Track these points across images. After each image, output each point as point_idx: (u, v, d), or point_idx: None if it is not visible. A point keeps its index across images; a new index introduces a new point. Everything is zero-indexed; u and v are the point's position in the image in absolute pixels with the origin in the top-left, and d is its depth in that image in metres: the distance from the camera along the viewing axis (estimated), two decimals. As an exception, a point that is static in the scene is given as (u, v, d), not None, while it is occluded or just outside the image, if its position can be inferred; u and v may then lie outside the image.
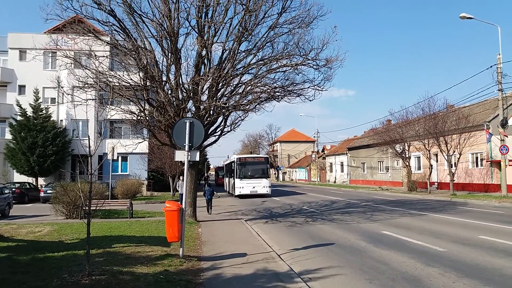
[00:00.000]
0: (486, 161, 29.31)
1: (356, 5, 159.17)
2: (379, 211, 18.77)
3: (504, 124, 23.19)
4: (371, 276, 7.36)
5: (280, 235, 12.47)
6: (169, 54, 13.71)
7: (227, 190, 38.48)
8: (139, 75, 13.74)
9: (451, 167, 27.85)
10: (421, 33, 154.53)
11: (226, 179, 40.44)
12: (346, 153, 55.41)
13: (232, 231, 12.88)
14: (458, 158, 28.58)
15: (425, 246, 10.06)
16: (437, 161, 33.33)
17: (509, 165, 24.36)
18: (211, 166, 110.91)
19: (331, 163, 63.18)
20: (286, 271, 7.51)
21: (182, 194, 18.66)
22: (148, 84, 13.82)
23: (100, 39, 14.04)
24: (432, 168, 31.81)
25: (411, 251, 9.55)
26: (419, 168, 37.18)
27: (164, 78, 13.98)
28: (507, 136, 23.33)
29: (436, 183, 33.64)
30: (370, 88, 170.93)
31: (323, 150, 68.25)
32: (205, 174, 38.78)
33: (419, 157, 35.94)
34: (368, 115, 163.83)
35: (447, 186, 29.22)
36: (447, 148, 27.62)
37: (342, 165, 58.52)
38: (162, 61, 14.36)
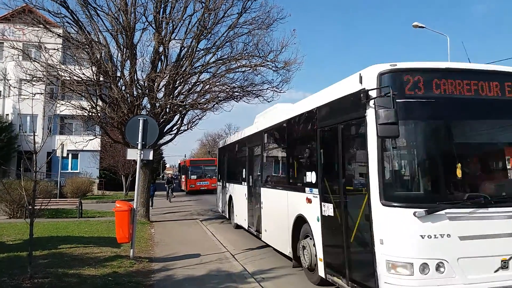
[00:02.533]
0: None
1: (316, 11, 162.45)
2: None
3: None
4: (322, 275, 7.47)
5: (235, 235, 12.41)
6: (125, 49, 13.30)
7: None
8: (91, 69, 13.24)
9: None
10: (376, 39, 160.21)
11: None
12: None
13: (186, 231, 12.68)
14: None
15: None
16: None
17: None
18: (167, 165, 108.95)
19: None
20: (240, 271, 7.48)
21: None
22: (101, 79, 13.35)
23: (51, 31, 13.39)
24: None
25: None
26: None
27: (119, 74, 13.55)
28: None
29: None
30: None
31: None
32: (171, 176, 40.72)
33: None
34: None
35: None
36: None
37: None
38: (117, 56, 13.96)
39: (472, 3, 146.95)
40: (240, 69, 14.86)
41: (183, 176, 40.02)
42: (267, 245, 10.36)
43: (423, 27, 24.56)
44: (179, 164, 51.61)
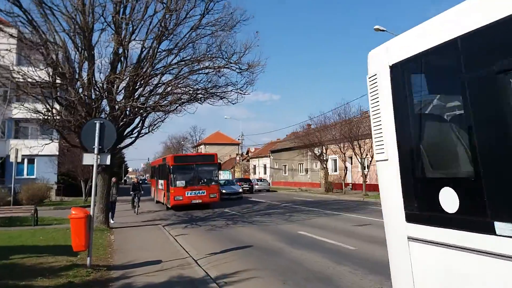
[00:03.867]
0: (394, 164, 31.47)
1: (279, 14, 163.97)
2: (298, 212, 19.34)
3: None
4: (285, 277, 7.46)
5: (199, 240, 12.24)
6: (82, 50, 12.83)
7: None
8: (46, 71, 12.67)
9: (364, 169, 29.72)
10: (339, 44, 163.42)
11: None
12: (269, 156, 56.57)
13: (147, 237, 12.36)
14: (370, 161, 30.53)
15: (338, 245, 10.51)
16: (351, 164, 35.32)
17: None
18: (130, 169, 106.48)
19: (254, 166, 64.06)
20: (202, 277, 7.33)
21: (112, 202, 16.38)
22: (57, 81, 12.81)
23: (3, 31, 12.72)
24: (347, 170, 33.78)
25: (325, 250, 9.91)
26: (335, 170, 39.13)
27: (76, 76, 13.05)
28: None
29: (350, 184, 35.63)
30: (294, 93, 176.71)
31: (247, 153, 69.01)
32: (137, 181, 24.59)
33: (336, 159, 37.81)
34: (291, 119, 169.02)
35: (361, 187, 31.09)
36: (360, 152, 29.47)
37: (265, 167, 59.62)
38: (74, 57, 13.45)
39: (427, 6, 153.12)
40: (203, 70, 14.73)
41: (160, 183, 25.69)
42: (232, 249, 10.31)
43: (384, 30, 25.30)
44: (151, 165, 37.82)
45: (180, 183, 21.18)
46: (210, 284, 6.84)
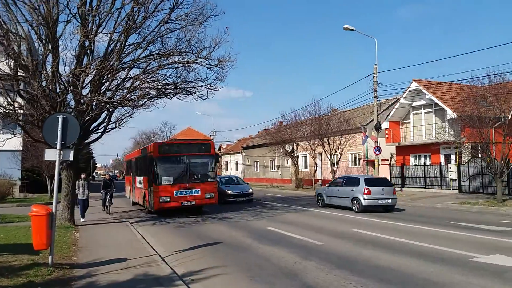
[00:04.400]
0: (363, 161, 32.41)
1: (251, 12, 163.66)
2: (268, 208, 19.46)
3: (378, 127, 25.75)
4: (253, 273, 7.49)
5: (167, 237, 12.11)
6: (46, 42, 12.38)
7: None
8: (7, 63, 12.16)
9: (333, 165, 30.19)
10: (313, 43, 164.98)
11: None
12: (241, 152, 56.56)
13: (114, 235, 12.11)
14: (339, 158, 31.05)
15: (305, 240, 10.65)
16: (321, 160, 35.80)
17: (382, 164, 27.26)
18: (98, 165, 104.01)
19: (226, 162, 63.89)
20: (168, 274, 7.25)
21: (81, 199, 15.45)
22: (19, 74, 12.31)
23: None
24: (317, 167, 34.22)
25: (293, 245, 10.01)
26: (306, 167, 39.56)
27: (40, 68, 12.58)
28: (376, 141, 25.87)
29: (320, 180, 36.12)
30: (266, 90, 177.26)
31: (219, 149, 68.70)
32: (109, 177, 21.46)
33: (306, 156, 38.21)
34: (263, 116, 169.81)
35: (330, 183, 31.56)
36: (330, 148, 29.92)
37: (237, 163, 59.58)
38: (38, 49, 12.95)
39: (395, 7, 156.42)
40: (172, 65, 14.48)
41: (138, 180, 20.33)
42: (200, 246, 10.26)
43: (353, 30, 25.69)
44: (126, 159, 30.22)
45: (167, 180, 16.31)
46: (176, 282, 6.78)
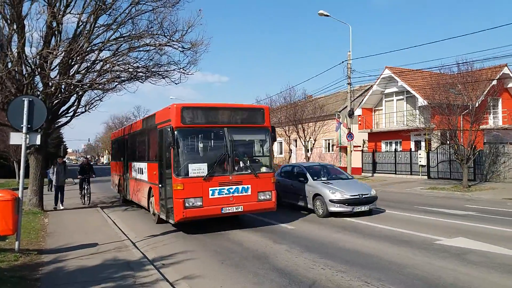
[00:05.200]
0: (336, 147, 32.93)
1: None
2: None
3: (351, 114, 26.12)
4: (224, 257, 7.57)
5: (139, 222, 12.02)
6: (11, 21, 11.86)
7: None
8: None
9: (307, 151, 30.53)
10: (288, 28, 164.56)
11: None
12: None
13: (84, 220, 11.92)
14: (313, 144, 31.44)
15: (278, 225, 10.79)
16: (296, 146, 36.13)
17: (354, 151, 27.78)
18: (69, 150, 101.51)
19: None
20: (139, 259, 7.23)
21: (57, 186, 14.75)
22: (-18, 54, 11.79)
23: None
24: (291, 153, 34.54)
25: (266, 230, 10.15)
26: (281, 153, 39.86)
27: (5, 49, 12.07)
28: (349, 128, 26.29)
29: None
30: (242, 76, 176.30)
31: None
32: (87, 162, 17.54)
33: (281, 142, 38.47)
34: (239, 101, 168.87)
35: (304, 169, 31.95)
36: (304, 135, 30.18)
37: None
38: (3, 29, 12.40)
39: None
40: (144, 48, 14.15)
41: (138, 169, 13.63)
42: (172, 231, 10.24)
43: (328, 16, 25.74)
44: (114, 137, 20.63)
45: (197, 170, 9.76)
46: (147, 266, 6.76)
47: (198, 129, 10.23)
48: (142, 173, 12.91)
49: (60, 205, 14.68)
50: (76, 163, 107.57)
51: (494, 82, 22.85)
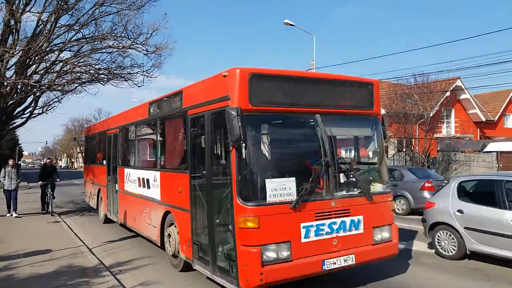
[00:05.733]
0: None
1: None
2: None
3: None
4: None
5: (96, 228, 11.74)
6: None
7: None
8: None
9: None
10: (254, 35, 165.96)
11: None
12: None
13: (37, 226, 11.48)
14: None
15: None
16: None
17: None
18: (25, 152, 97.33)
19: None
20: (95, 265, 7.11)
21: (8, 190, 13.05)
22: None
23: None
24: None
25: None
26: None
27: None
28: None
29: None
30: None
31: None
32: (51, 164, 14.85)
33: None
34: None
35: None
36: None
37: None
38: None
39: (334, 7, 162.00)
40: (106, 49, 13.92)
41: (145, 181, 8.41)
42: (131, 236, 10.08)
43: (293, 25, 26.23)
44: (93, 131, 14.21)
45: (280, 190, 5.14)
46: (103, 273, 6.67)
47: (280, 115, 5.68)
48: (149, 187, 8.29)
49: (14, 213, 13.18)
50: (33, 166, 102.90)
51: (448, 94, 24.09)
